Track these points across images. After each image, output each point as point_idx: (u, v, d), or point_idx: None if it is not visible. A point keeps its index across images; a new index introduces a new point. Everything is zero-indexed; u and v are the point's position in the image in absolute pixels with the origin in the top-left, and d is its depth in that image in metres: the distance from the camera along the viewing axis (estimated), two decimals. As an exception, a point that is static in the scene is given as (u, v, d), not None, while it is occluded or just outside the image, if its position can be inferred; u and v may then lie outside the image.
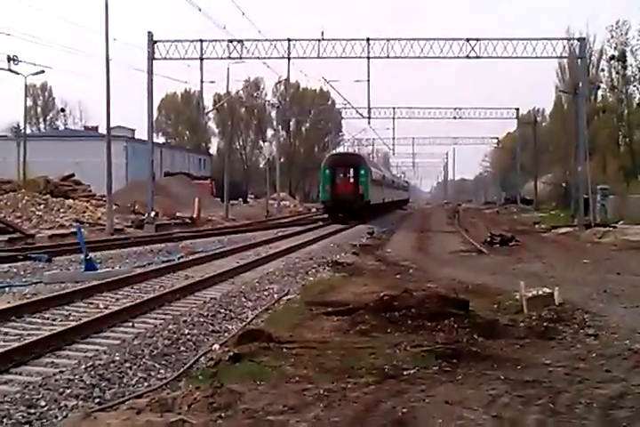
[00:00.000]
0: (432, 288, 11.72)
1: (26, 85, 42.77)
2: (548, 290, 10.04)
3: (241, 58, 33.64)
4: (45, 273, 14.10)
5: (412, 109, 57.61)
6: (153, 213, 30.78)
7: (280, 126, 73.55)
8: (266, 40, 32.66)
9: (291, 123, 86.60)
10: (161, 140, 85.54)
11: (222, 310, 10.42)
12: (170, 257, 18.40)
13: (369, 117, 43.32)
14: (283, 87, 78.48)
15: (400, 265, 17.11)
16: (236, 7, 33.39)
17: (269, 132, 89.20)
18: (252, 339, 7.71)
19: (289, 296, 12.03)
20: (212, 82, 41.22)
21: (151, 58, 31.83)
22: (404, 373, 6.61)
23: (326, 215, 40.04)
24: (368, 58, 32.99)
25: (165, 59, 32.08)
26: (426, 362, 6.93)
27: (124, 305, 10.49)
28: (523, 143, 65.93)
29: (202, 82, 34.89)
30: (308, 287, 13.00)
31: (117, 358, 7.31)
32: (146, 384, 6.72)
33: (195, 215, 36.46)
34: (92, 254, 15.25)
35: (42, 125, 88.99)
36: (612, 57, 54.08)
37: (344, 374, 6.57)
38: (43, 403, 5.95)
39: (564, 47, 33.62)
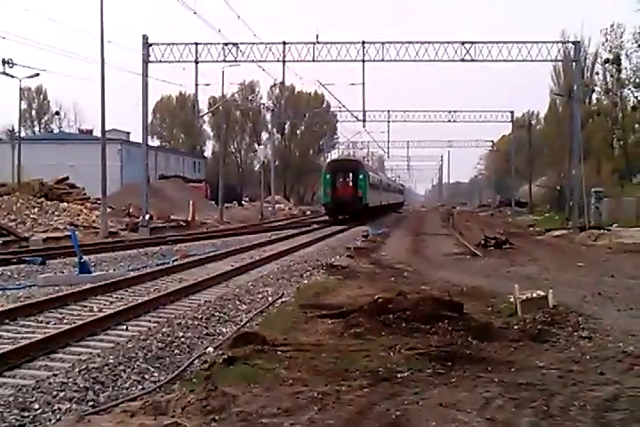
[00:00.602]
0: (426, 291, 11.75)
1: (21, 88, 42.94)
2: (542, 293, 10.02)
3: (236, 61, 33.72)
4: (39, 276, 14.06)
5: (406, 112, 58.01)
6: (147, 216, 30.77)
7: (275, 129, 73.58)
8: (261, 43, 32.75)
9: (286, 126, 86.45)
10: (156, 143, 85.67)
11: (216, 313, 10.40)
12: (164, 260, 18.40)
13: (364, 120, 43.66)
14: (278, 90, 78.59)
15: (395, 268, 17.12)
16: (231, 10, 33.48)
17: (264, 136, 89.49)
18: (247, 342, 7.70)
19: (283, 299, 12.02)
20: (207, 85, 41.17)
21: (146, 61, 31.84)
22: (398, 375, 6.61)
23: (327, 217, 41.58)
24: (363, 61, 33.07)
25: (160, 62, 32.15)
26: (420, 365, 6.94)
27: (118, 308, 10.46)
28: (517, 146, 66.03)
29: (197, 85, 35.13)
30: (302, 290, 12.98)
31: (111, 361, 7.28)
32: (140, 387, 6.71)
33: (189, 218, 36.48)
34: (86, 257, 15.24)
35: (36, 128, 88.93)
36: (607, 60, 54.28)
37: (338, 376, 6.57)
38: (36, 406, 5.92)
39: (559, 50, 33.87)
